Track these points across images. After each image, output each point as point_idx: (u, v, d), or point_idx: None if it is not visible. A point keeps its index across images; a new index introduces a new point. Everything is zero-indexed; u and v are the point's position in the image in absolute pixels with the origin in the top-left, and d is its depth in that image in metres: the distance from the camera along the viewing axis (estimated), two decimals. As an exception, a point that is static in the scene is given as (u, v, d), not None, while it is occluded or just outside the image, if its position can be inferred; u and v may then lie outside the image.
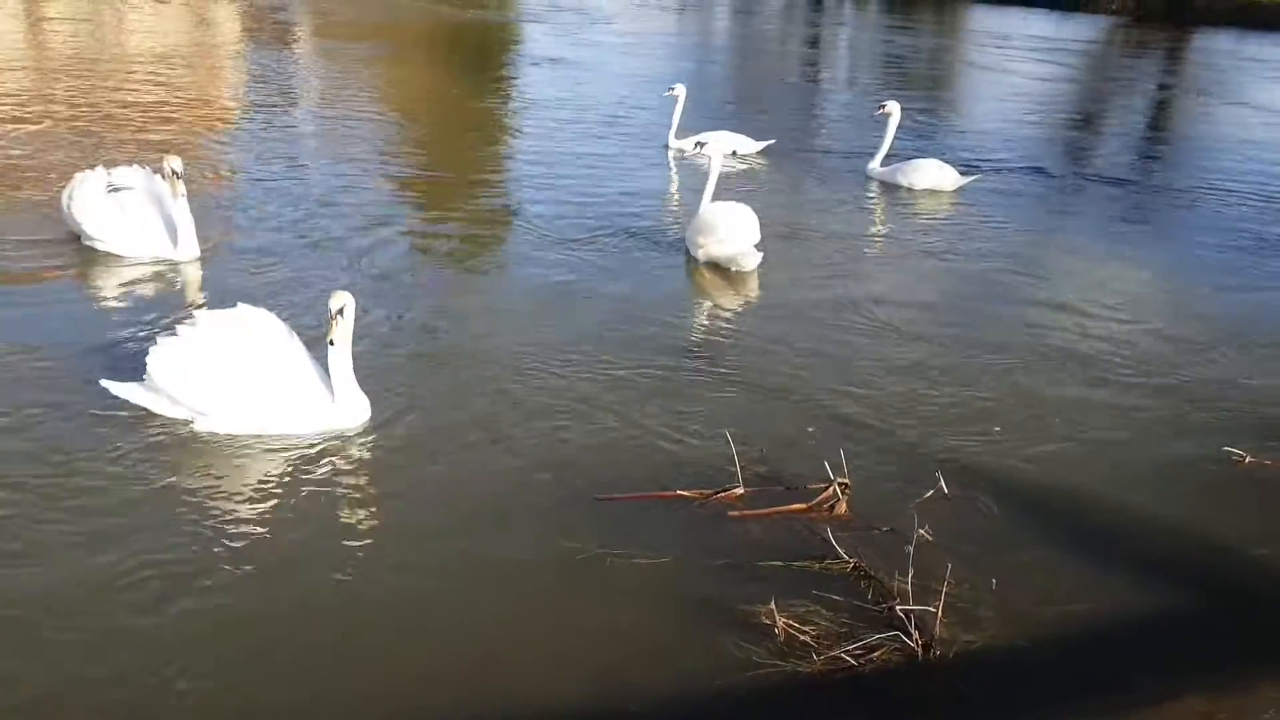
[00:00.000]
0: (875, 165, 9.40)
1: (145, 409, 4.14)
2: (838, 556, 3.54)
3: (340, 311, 4.02)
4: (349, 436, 4.22)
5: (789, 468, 4.14)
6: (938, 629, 3.17)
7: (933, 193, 8.99)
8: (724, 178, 9.30)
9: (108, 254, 6.11)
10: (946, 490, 3.97)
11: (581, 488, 3.93)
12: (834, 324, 5.88)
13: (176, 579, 3.26)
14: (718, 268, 6.62)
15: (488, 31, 22.34)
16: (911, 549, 3.36)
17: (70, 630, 3.03)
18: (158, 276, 5.98)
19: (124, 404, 4.16)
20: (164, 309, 5.42)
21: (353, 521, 3.74)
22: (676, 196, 8.84)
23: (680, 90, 9.91)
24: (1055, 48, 26.12)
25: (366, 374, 4.40)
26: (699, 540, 3.64)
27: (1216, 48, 28.84)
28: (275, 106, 11.20)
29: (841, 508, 3.86)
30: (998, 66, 21.61)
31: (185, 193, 5.95)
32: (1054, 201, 9.47)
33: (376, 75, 14.38)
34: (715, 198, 6.90)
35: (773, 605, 3.20)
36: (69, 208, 6.12)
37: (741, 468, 3.96)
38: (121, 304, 5.63)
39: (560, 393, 4.73)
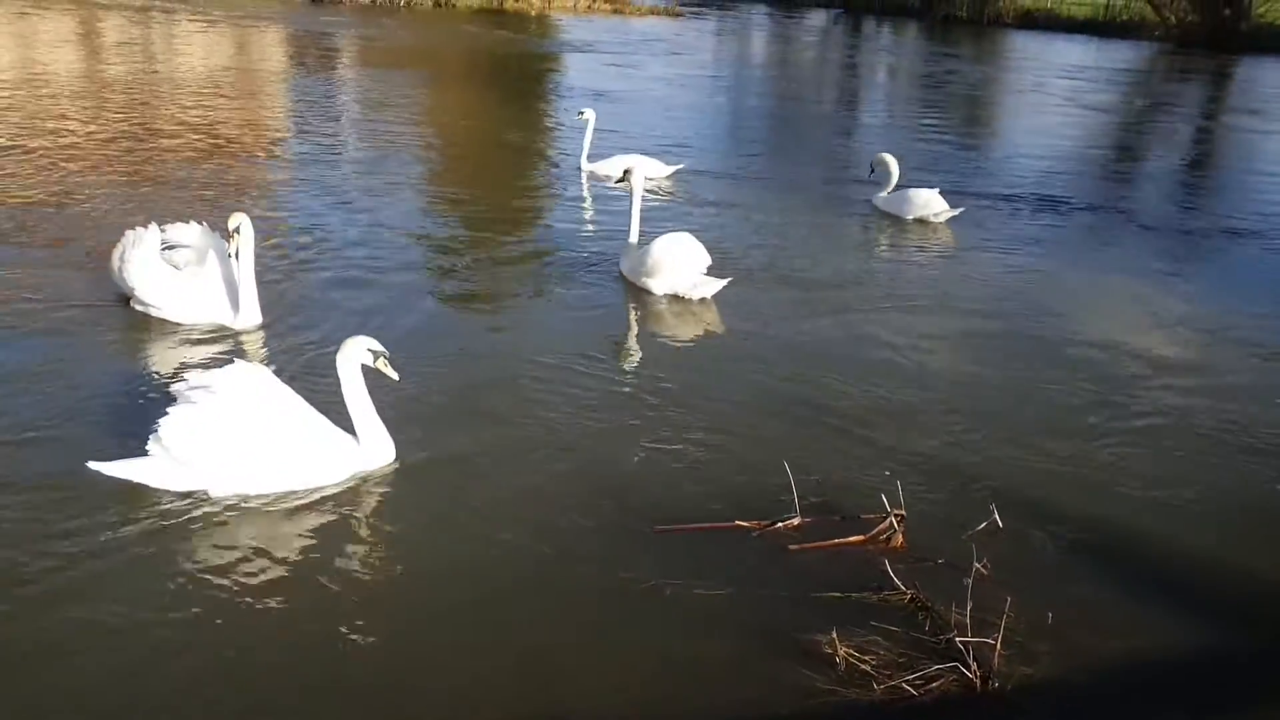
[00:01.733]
0: (880, 195, 9.69)
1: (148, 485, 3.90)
2: (895, 588, 3.61)
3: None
4: (380, 477, 4.22)
5: (844, 498, 4.22)
6: (996, 661, 3.23)
7: (925, 222, 9.21)
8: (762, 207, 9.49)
9: (161, 320, 5.64)
10: (1001, 523, 4.02)
11: (638, 518, 4.03)
12: (879, 356, 5.97)
13: (212, 641, 3.21)
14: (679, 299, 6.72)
15: (527, 60, 22.72)
16: (970, 582, 3.41)
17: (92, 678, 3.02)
18: (212, 345, 5.49)
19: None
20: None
21: (398, 562, 3.71)
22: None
23: (590, 114, 10.18)
24: (1096, 74, 25.99)
25: (405, 411, 4.49)
26: (758, 571, 3.73)
27: (1261, 76, 28.48)
28: (323, 138, 11.50)
29: (898, 540, 3.93)
30: (1037, 93, 21.59)
31: (249, 254, 5.50)
32: (1097, 235, 9.51)
33: (420, 104, 14.78)
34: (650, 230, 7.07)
35: (834, 635, 3.28)
36: (120, 270, 5.65)
37: (798, 497, 4.04)
38: (161, 379, 5.00)
39: (606, 423, 4.85)
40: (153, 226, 5.72)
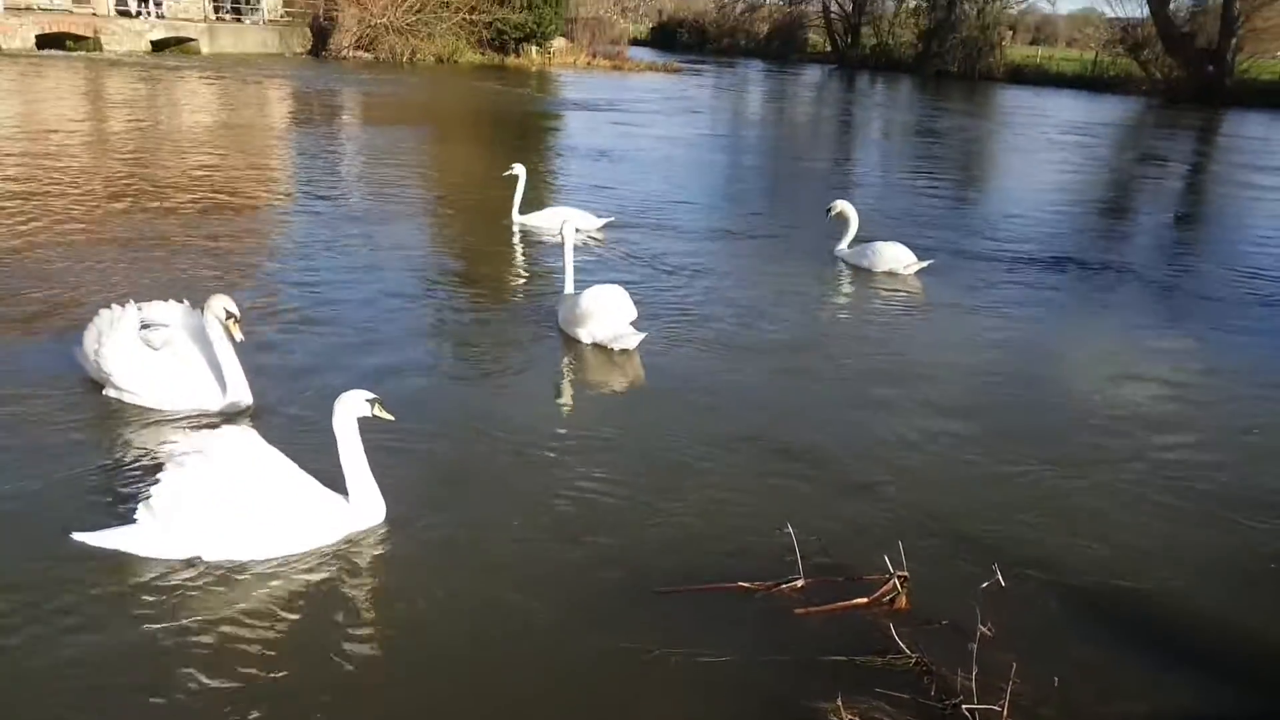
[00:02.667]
0: (843, 248, 9.80)
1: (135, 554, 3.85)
2: (900, 651, 3.60)
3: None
4: (372, 539, 4.18)
5: (846, 557, 4.21)
6: (1003, 728, 3.22)
7: (893, 274, 9.27)
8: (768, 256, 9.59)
9: (140, 407, 5.23)
10: (1004, 583, 4.02)
11: (638, 579, 4.01)
12: (865, 415, 5.99)
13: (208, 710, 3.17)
14: (603, 351, 6.75)
15: (527, 117, 23.10)
16: (975, 646, 3.41)
17: None
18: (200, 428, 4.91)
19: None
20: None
21: (391, 627, 3.68)
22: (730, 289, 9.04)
23: (519, 170, 10.39)
24: (1085, 129, 26.45)
25: (392, 475, 4.41)
26: (762, 634, 3.71)
27: (1246, 130, 28.98)
28: (321, 197, 11.62)
29: (901, 601, 3.92)
30: (1026, 147, 21.95)
31: (242, 337, 5.15)
32: (1087, 290, 9.55)
33: (417, 161, 14.98)
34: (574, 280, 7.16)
35: (838, 701, 3.27)
36: (95, 354, 5.21)
37: (801, 557, 4.05)
38: (141, 459, 4.72)
39: (598, 482, 4.84)
40: (130, 306, 5.34)
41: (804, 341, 7.40)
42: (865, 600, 3.93)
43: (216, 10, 36.81)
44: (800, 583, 4.00)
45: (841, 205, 9.84)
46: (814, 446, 5.42)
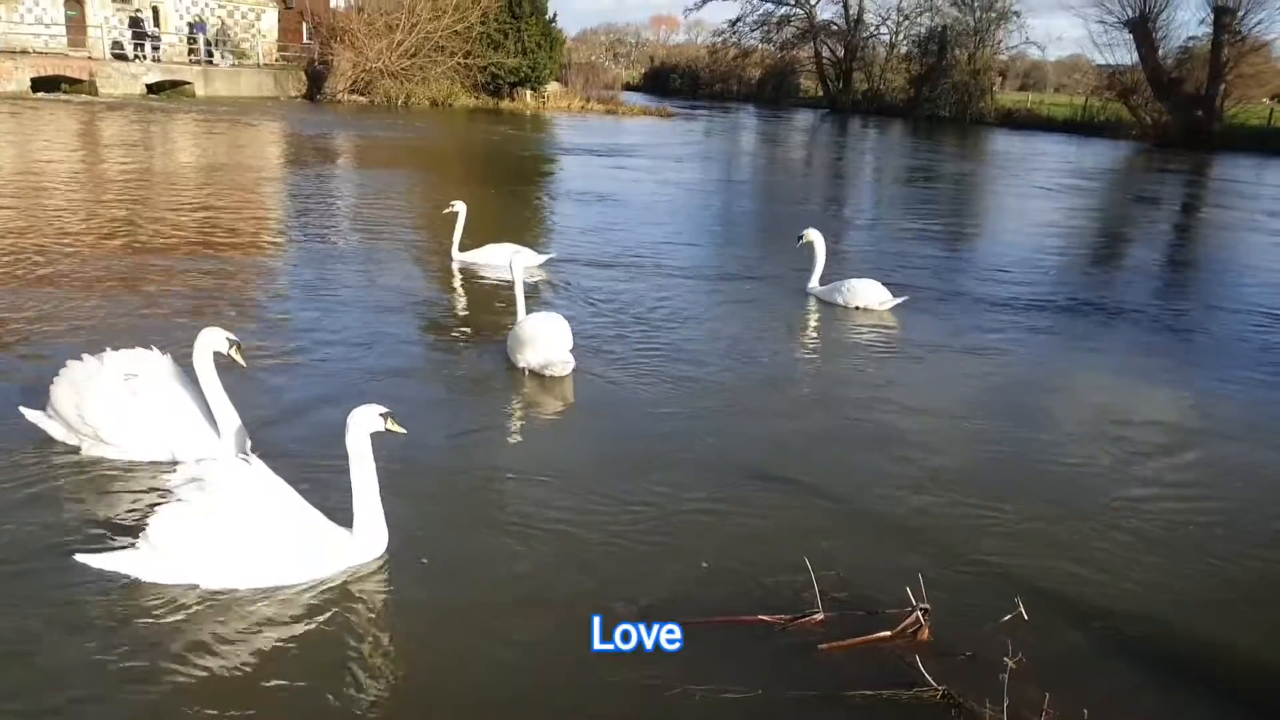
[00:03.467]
0: (814, 284, 9.77)
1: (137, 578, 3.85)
2: (927, 684, 3.51)
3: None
4: (374, 572, 4.10)
5: (864, 590, 4.14)
6: (1037, 762, 3.12)
7: (867, 310, 9.27)
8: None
9: (122, 460, 4.92)
10: (1026, 615, 3.95)
11: (654, 612, 3.91)
12: (878, 451, 5.95)
13: None
14: (543, 380, 6.74)
15: (520, 160, 23.27)
16: (1005, 677, 3.32)
17: None
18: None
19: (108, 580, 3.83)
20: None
21: (395, 664, 3.59)
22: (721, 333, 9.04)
23: (460, 206, 10.39)
24: (1075, 172, 26.83)
25: (395, 506, 4.30)
26: (784, 669, 3.63)
27: (1235, 173, 29.42)
28: (312, 238, 11.59)
29: (924, 634, 3.84)
30: (1016, 190, 22.21)
31: (245, 363, 5.01)
32: (1079, 329, 9.49)
33: (409, 206, 15.00)
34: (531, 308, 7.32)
35: (869, 735, 3.18)
36: (73, 407, 4.87)
37: (819, 592, 3.97)
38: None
39: (608, 515, 4.77)
40: (110, 354, 5.02)
41: (794, 378, 7.37)
42: (889, 633, 3.85)
43: (191, 54, 36.97)
44: (820, 616, 3.91)
45: (811, 234, 9.81)
46: (819, 482, 5.33)
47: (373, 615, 3.88)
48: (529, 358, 6.85)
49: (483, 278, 9.91)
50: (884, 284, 9.45)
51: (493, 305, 8.86)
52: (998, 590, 4.17)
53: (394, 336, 7.66)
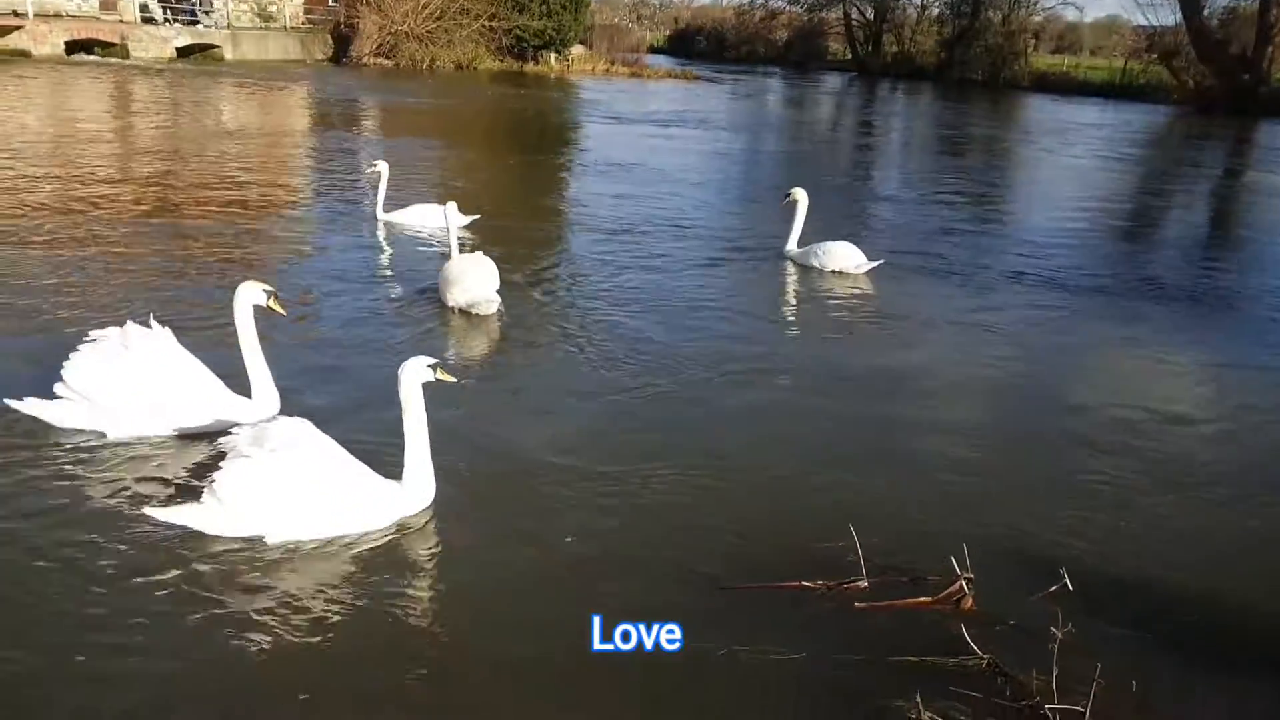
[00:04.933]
0: (791, 247, 9.72)
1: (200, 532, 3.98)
2: (971, 652, 3.52)
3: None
4: (425, 522, 4.22)
5: (909, 559, 4.14)
6: (1086, 730, 3.13)
7: (843, 274, 9.22)
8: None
9: (151, 437, 4.82)
10: (1071, 585, 3.93)
11: (699, 575, 3.97)
12: (908, 423, 5.92)
13: (269, 679, 3.25)
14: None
15: (542, 124, 23.10)
16: (1055, 647, 3.32)
17: None
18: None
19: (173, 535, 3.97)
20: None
21: (447, 612, 3.69)
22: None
23: (382, 166, 10.41)
24: (1112, 138, 26.25)
25: (442, 461, 4.41)
26: (830, 633, 3.65)
27: (1280, 139, 28.57)
28: (338, 200, 11.60)
29: (968, 602, 3.84)
30: (1049, 157, 21.77)
31: (284, 311, 5.11)
32: (1111, 297, 9.32)
33: (434, 166, 14.98)
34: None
35: (917, 699, 3.19)
36: (95, 385, 4.74)
37: (863, 559, 3.97)
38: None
39: (650, 475, 4.80)
40: (127, 328, 4.91)
41: (833, 349, 7.33)
42: (930, 600, 3.85)
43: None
44: (864, 583, 3.92)
45: (798, 193, 9.72)
46: (863, 452, 5.35)
47: (417, 566, 3.98)
48: (456, 296, 7.25)
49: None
50: (897, 252, 9.35)
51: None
52: (1041, 561, 4.15)
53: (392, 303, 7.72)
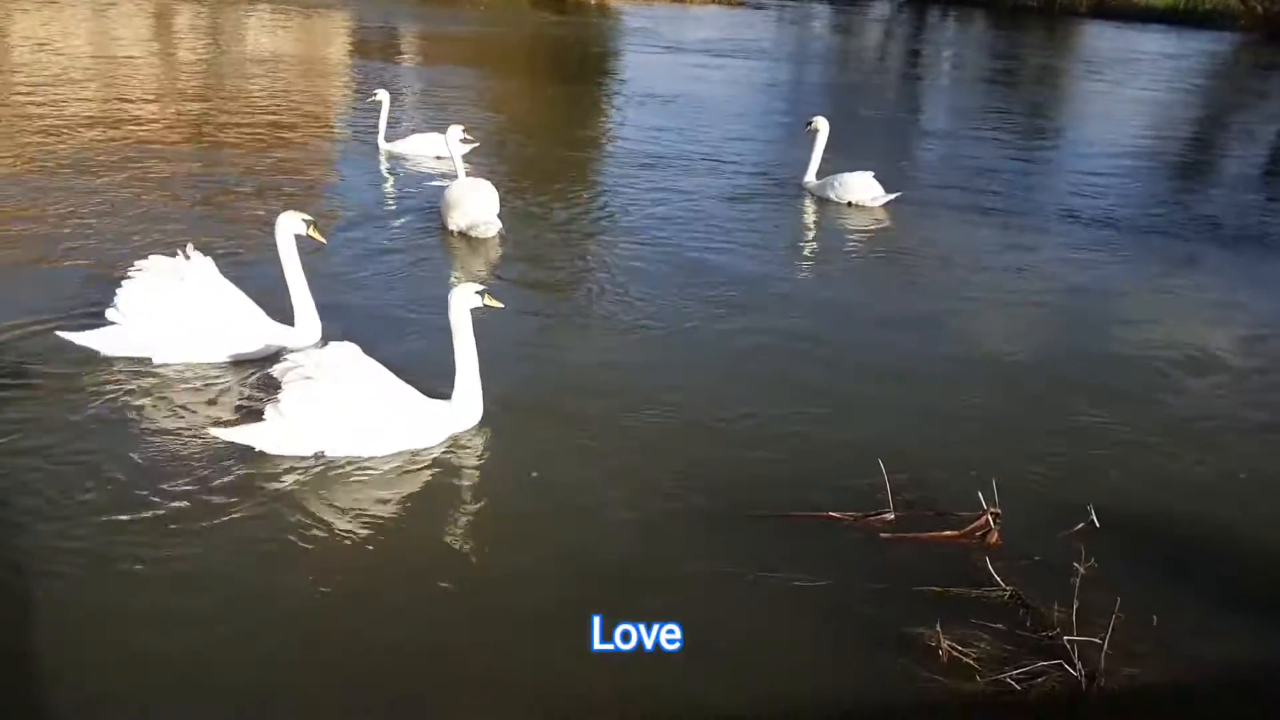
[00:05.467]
0: (810, 179, 9.53)
1: (264, 451, 4.19)
2: (994, 584, 3.61)
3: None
4: (472, 440, 4.48)
5: (936, 494, 4.21)
6: (1103, 661, 3.22)
7: (860, 207, 9.07)
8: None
9: (196, 364, 4.99)
10: (1097, 522, 3.98)
11: (729, 503, 4.09)
12: (971, 351, 5.92)
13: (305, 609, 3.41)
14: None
15: (584, 53, 22.72)
16: (1077, 581, 3.39)
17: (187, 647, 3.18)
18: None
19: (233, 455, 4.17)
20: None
21: (482, 537, 3.87)
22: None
23: (383, 95, 10.39)
24: (1174, 67, 25.21)
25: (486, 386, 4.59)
26: (855, 563, 3.76)
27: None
28: (364, 129, 11.50)
29: (993, 537, 3.92)
30: (1107, 89, 20.99)
31: (296, 259, 5.19)
32: (1155, 240, 9.05)
33: (472, 94, 14.88)
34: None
35: (936, 628, 3.30)
36: (150, 311, 4.88)
37: (891, 493, 4.05)
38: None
39: (690, 402, 4.93)
40: (188, 255, 5.06)
41: (859, 283, 7.30)
42: (956, 533, 3.94)
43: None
44: (890, 515, 4.01)
45: (819, 122, 9.54)
46: (892, 387, 5.38)
47: (466, 480, 4.25)
48: (456, 220, 7.48)
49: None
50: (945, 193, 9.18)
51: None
52: (1069, 498, 4.20)
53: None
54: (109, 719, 2.90)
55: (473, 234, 7.43)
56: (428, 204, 8.31)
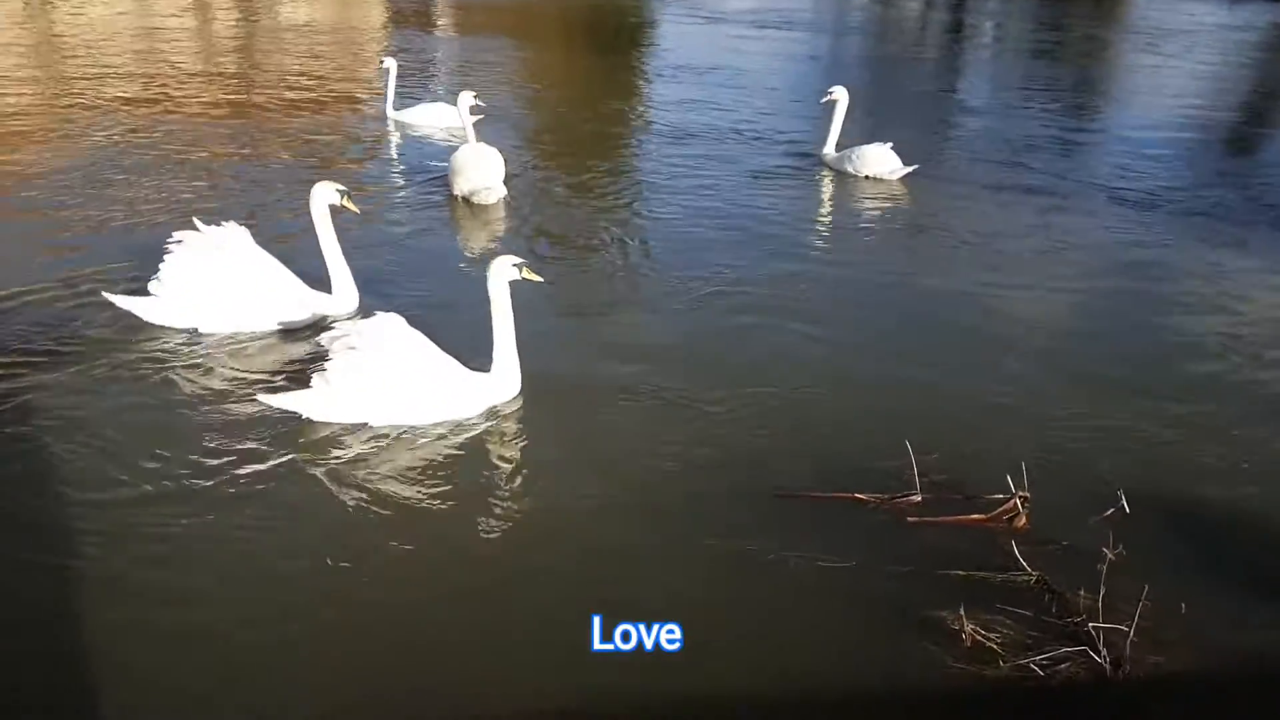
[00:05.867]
0: (828, 150, 9.35)
1: (309, 418, 4.31)
2: (1020, 569, 3.59)
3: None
4: (511, 413, 4.56)
5: (964, 477, 4.17)
6: (1128, 648, 3.19)
7: (878, 179, 8.92)
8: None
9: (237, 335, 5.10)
10: (1128, 509, 3.93)
11: (757, 481, 4.10)
12: (1002, 331, 5.85)
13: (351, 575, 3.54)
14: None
15: (621, 30, 22.48)
16: (1104, 568, 3.36)
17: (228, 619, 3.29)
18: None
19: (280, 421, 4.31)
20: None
21: (514, 507, 3.95)
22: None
23: (390, 64, 10.40)
24: (1231, 40, 24.40)
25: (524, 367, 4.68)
26: (879, 544, 3.76)
27: None
28: (412, 98, 11.56)
29: (1021, 521, 3.89)
30: (1159, 61, 20.39)
31: (330, 228, 5.25)
32: (1208, 224, 8.70)
33: (502, 64, 14.82)
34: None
35: (960, 611, 3.29)
36: (191, 283, 4.98)
37: (918, 475, 4.03)
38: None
39: (721, 379, 4.96)
40: (232, 227, 5.18)
41: (894, 261, 7.21)
42: (983, 517, 3.91)
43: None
44: (917, 497, 3.99)
45: (837, 92, 9.31)
46: (919, 368, 5.31)
47: (501, 455, 4.32)
48: (460, 185, 7.61)
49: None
50: (999, 166, 8.97)
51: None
52: (1100, 484, 4.16)
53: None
54: (140, 692, 2.99)
55: (475, 200, 7.55)
56: (439, 171, 8.37)
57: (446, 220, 7.46)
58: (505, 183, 7.71)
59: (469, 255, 6.80)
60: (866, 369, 5.27)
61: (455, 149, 8.02)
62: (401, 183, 8.36)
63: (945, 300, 6.36)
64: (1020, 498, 3.92)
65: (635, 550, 3.69)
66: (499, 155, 7.66)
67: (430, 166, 8.74)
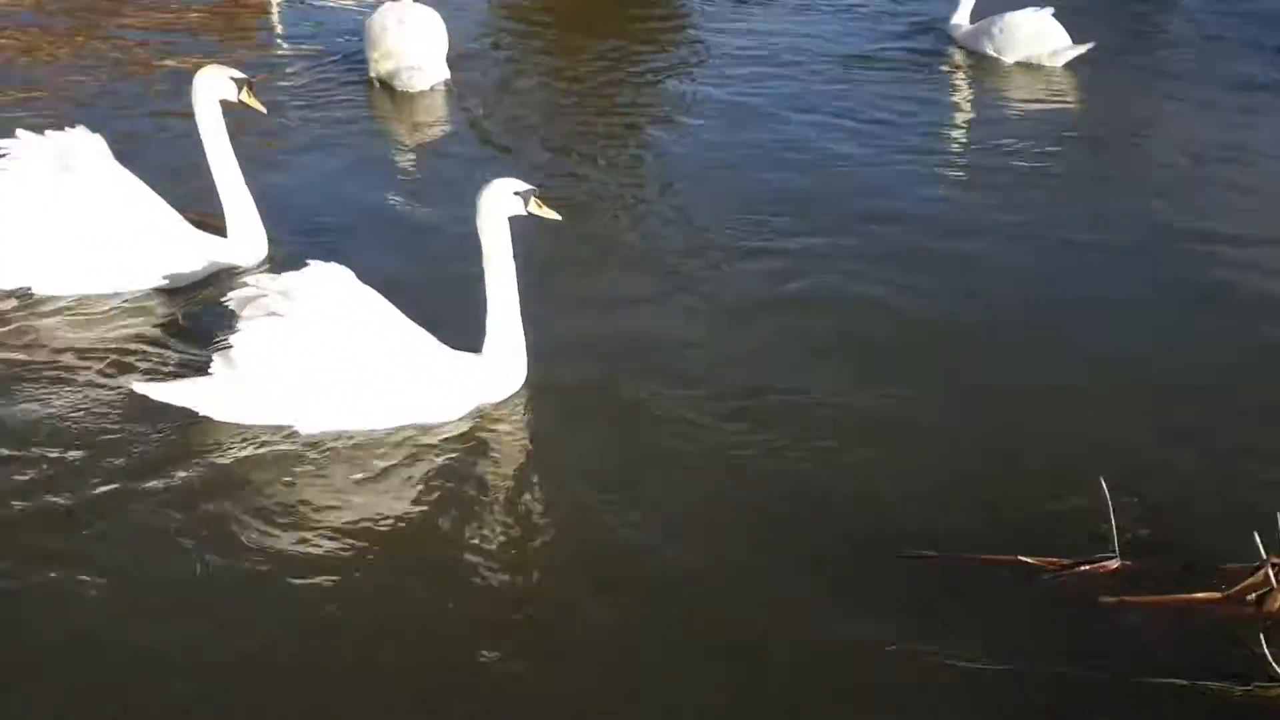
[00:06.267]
0: (960, 20, 7.05)
1: (205, 417, 3.18)
2: (1274, 678, 2.50)
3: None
4: (510, 415, 3.40)
5: (1181, 530, 3.03)
6: None
7: (1032, 66, 6.59)
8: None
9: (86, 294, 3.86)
10: None
11: (860, 537, 3.01)
12: (1238, 313, 4.25)
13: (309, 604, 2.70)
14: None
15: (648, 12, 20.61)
16: None
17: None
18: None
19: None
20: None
21: (534, 551, 2.96)
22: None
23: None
24: None
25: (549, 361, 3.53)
26: (1056, 634, 2.72)
27: None
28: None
29: (1275, 602, 2.76)
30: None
31: (264, 109, 3.98)
32: None
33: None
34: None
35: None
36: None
37: (1117, 529, 2.92)
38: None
39: (798, 386, 3.66)
40: (51, 137, 3.83)
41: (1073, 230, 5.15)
42: (1219, 595, 2.83)
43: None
44: (1115, 564, 2.90)
45: None
46: (1115, 377, 3.84)
47: (505, 479, 3.20)
48: (379, 64, 5.88)
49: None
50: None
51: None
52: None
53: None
54: None
55: (397, 85, 5.76)
56: (355, 47, 6.53)
57: (363, 120, 5.71)
58: (449, 63, 5.86)
59: (403, 175, 5.14)
60: (1025, 367, 3.87)
61: (372, 10, 6.14)
62: (296, 68, 6.35)
63: (1153, 260, 4.65)
64: (1273, 564, 2.80)
65: (668, 640, 2.68)
66: (436, 18, 5.83)
67: (339, 43, 6.80)
